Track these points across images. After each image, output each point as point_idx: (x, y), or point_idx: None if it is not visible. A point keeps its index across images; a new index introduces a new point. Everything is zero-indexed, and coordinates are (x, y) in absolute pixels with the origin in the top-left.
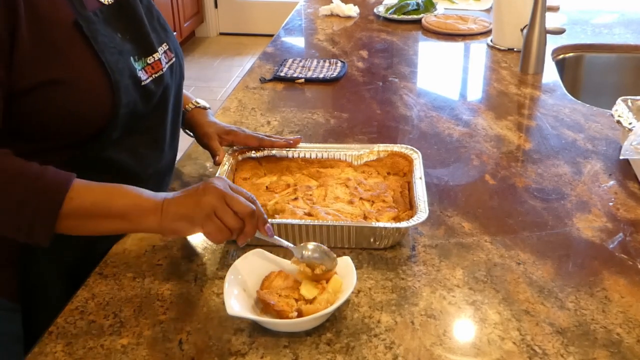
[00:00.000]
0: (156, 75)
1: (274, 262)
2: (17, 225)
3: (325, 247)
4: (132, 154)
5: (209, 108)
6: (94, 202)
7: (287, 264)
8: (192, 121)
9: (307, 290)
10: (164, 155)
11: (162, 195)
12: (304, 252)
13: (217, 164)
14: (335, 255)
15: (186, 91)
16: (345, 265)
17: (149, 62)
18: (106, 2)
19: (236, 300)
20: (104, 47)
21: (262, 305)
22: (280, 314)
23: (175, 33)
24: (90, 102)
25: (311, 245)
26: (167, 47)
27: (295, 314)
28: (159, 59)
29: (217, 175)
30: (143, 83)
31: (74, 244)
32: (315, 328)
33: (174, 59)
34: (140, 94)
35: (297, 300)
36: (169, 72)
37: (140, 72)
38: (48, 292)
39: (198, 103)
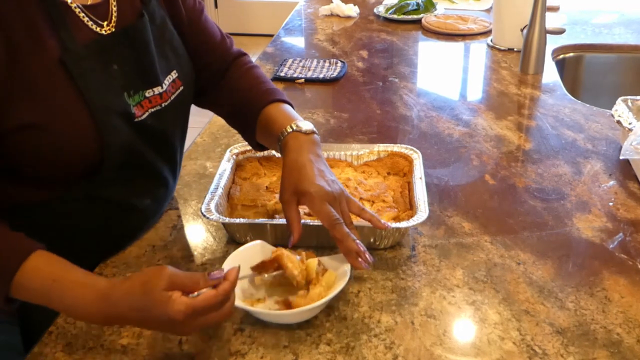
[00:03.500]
0: (153, 109)
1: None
2: None
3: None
4: (130, 188)
5: (312, 133)
6: (34, 298)
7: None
8: (283, 153)
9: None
10: (166, 184)
11: (109, 297)
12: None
13: (290, 245)
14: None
15: (290, 108)
16: (341, 261)
17: (147, 95)
18: (105, 32)
19: None
20: (91, 86)
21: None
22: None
23: None
24: (73, 146)
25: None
26: (177, 74)
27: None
28: (162, 92)
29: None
30: (137, 119)
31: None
32: (316, 328)
33: (181, 88)
34: (136, 131)
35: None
36: (174, 105)
37: (135, 107)
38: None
39: (297, 126)
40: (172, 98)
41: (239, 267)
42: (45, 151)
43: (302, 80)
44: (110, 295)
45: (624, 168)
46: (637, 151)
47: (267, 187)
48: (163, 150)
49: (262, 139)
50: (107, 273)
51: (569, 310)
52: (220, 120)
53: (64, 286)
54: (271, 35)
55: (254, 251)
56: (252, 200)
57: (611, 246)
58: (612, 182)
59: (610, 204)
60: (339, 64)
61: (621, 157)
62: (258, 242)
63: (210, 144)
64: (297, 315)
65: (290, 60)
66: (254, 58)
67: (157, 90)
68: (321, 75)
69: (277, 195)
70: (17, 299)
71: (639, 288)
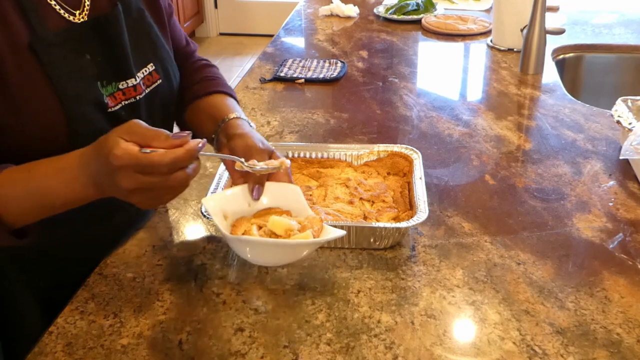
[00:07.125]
0: (127, 102)
1: (250, 204)
2: None
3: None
4: None
5: (247, 121)
6: (20, 204)
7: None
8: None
9: (275, 226)
10: None
11: (83, 155)
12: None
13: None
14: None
15: (230, 100)
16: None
17: (120, 87)
18: (77, 20)
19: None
20: (60, 72)
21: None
22: None
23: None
24: (41, 131)
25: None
26: (154, 67)
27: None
28: (136, 85)
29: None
30: (110, 110)
31: (48, 271)
32: (315, 328)
33: (159, 81)
34: (108, 122)
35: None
36: (149, 98)
37: (109, 97)
38: (25, 320)
39: (235, 115)
40: (146, 91)
41: (205, 142)
42: (13, 136)
43: (302, 80)
44: (83, 153)
45: (624, 168)
46: (637, 151)
47: None
48: None
49: (196, 120)
50: (107, 273)
51: (569, 310)
52: None
53: (39, 171)
54: (271, 36)
55: (235, 196)
56: None
57: (611, 246)
58: (612, 182)
59: (610, 204)
60: (339, 64)
61: (621, 157)
62: (239, 187)
63: (210, 144)
64: (293, 248)
65: (290, 61)
66: (253, 58)
67: (131, 82)
68: (321, 76)
69: None
70: (22, 230)
71: (639, 288)
